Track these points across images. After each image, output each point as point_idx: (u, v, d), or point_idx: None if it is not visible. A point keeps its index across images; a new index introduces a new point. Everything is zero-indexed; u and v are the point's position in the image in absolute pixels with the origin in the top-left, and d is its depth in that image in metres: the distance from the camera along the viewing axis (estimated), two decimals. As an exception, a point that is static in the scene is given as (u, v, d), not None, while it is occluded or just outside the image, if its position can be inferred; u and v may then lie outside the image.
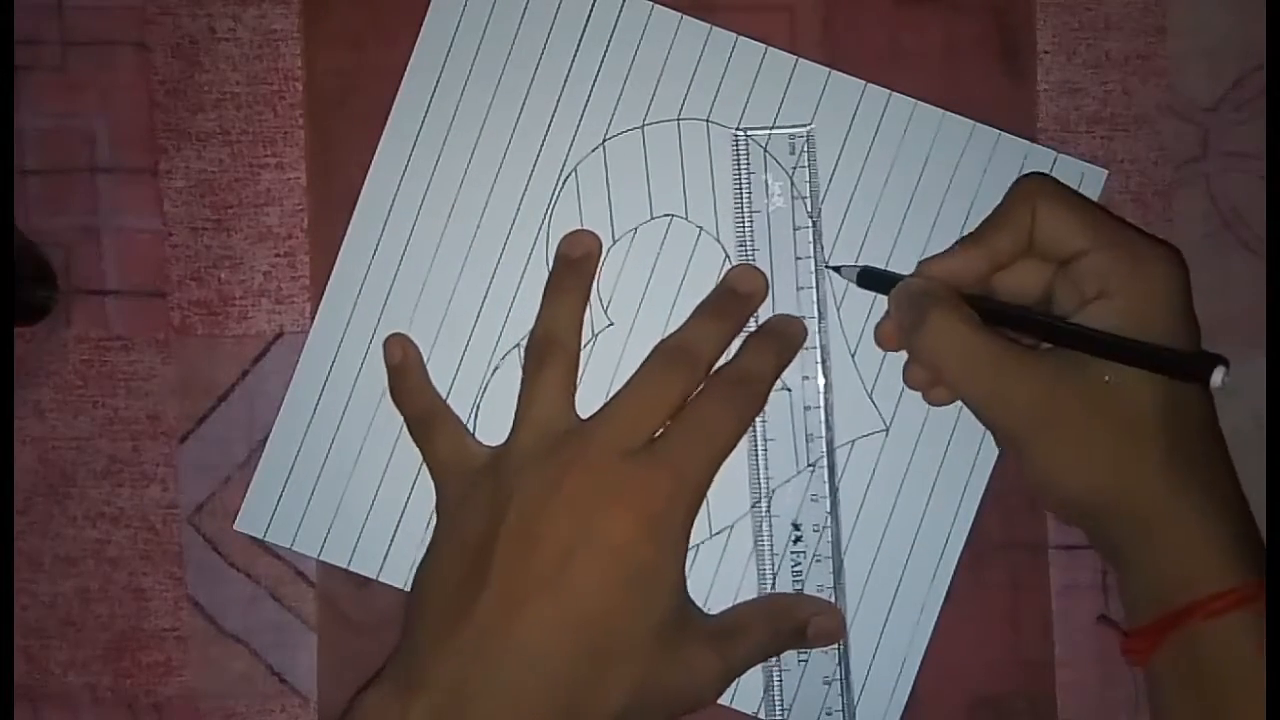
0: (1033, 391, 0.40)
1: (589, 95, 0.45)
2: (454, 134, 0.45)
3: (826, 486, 0.44)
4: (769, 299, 0.44)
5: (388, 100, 0.45)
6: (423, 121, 0.45)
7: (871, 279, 0.44)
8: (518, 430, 0.43)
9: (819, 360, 0.44)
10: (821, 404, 0.44)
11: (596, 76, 0.45)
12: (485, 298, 0.45)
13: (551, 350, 0.43)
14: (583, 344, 0.44)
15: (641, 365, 0.43)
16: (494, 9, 0.45)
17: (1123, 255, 0.40)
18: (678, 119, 0.45)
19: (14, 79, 0.45)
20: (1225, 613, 0.37)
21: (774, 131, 0.45)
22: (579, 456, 0.41)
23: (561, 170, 0.45)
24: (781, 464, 0.44)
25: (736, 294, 0.44)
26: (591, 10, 0.45)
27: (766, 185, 0.45)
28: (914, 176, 0.45)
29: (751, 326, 0.44)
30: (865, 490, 0.45)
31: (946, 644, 0.45)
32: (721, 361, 0.43)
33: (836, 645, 0.44)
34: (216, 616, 0.46)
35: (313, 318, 0.45)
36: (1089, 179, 0.45)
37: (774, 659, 0.44)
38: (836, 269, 0.45)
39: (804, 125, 0.45)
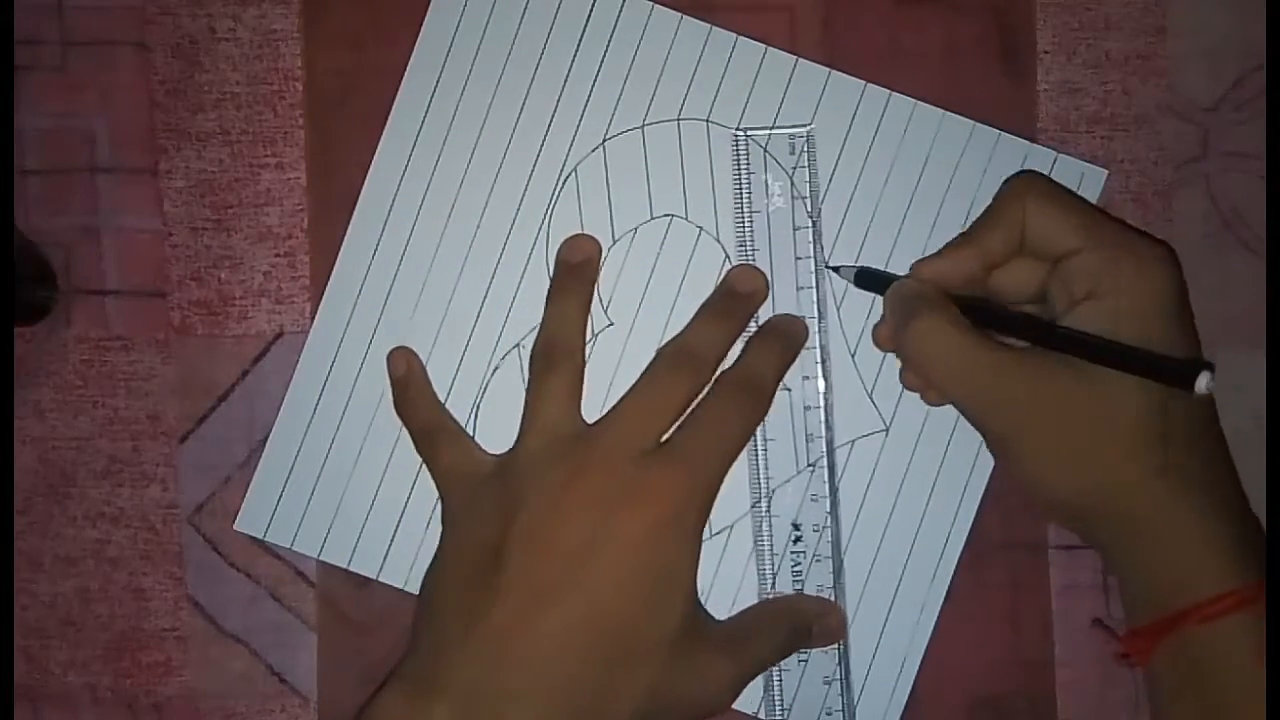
0: (1017, 393, 0.40)
1: (589, 95, 0.45)
2: (454, 134, 0.45)
3: (826, 486, 0.44)
4: (769, 299, 0.44)
5: (388, 100, 0.45)
6: (423, 121, 0.45)
7: (869, 279, 0.44)
8: (525, 435, 0.42)
9: (819, 360, 0.44)
10: (821, 404, 0.44)
11: (596, 76, 0.45)
12: (485, 298, 0.45)
13: (556, 355, 0.43)
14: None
15: (647, 368, 0.43)
16: (494, 9, 0.45)
17: (1113, 255, 0.40)
18: (678, 119, 0.45)
19: (14, 79, 0.45)
20: (1223, 616, 0.37)
21: (774, 131, 0.45)
22: (590, 458, 0.41)
23: (561, 170, 0.45)
24: (781, 464, 0.44)
25: (738, 294, 0.44)
26: (591, 10, 0.45)
27: (766, 185, 0.45)
28: (914, 176, 0.45)
29: (752, 327, 0.44)
30: (865, 490, 0.45)
31: (946, 644, 0.45)
32: (725, 363, 0.43)
33: (837, 645, 0.44)
34: (216, 616, 0.46)
35: (313, 318, 0.45)
36: (1089, 179, 0.45)
37: (774, 659, 0.44)
38: (835, 269, 0.45)
39: (804, 125, 0.45)
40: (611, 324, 0.45)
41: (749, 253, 0.45)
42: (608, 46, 0.45)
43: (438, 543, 0.43)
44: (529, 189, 0.45)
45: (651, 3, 0.45)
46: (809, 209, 0.45)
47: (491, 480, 0.42)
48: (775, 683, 0.44)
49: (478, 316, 0.45)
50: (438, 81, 0.45)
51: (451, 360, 0.45)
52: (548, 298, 0.44)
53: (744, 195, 0.45)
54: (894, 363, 0.45)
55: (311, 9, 0.46)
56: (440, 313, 0.45)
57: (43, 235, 0.46)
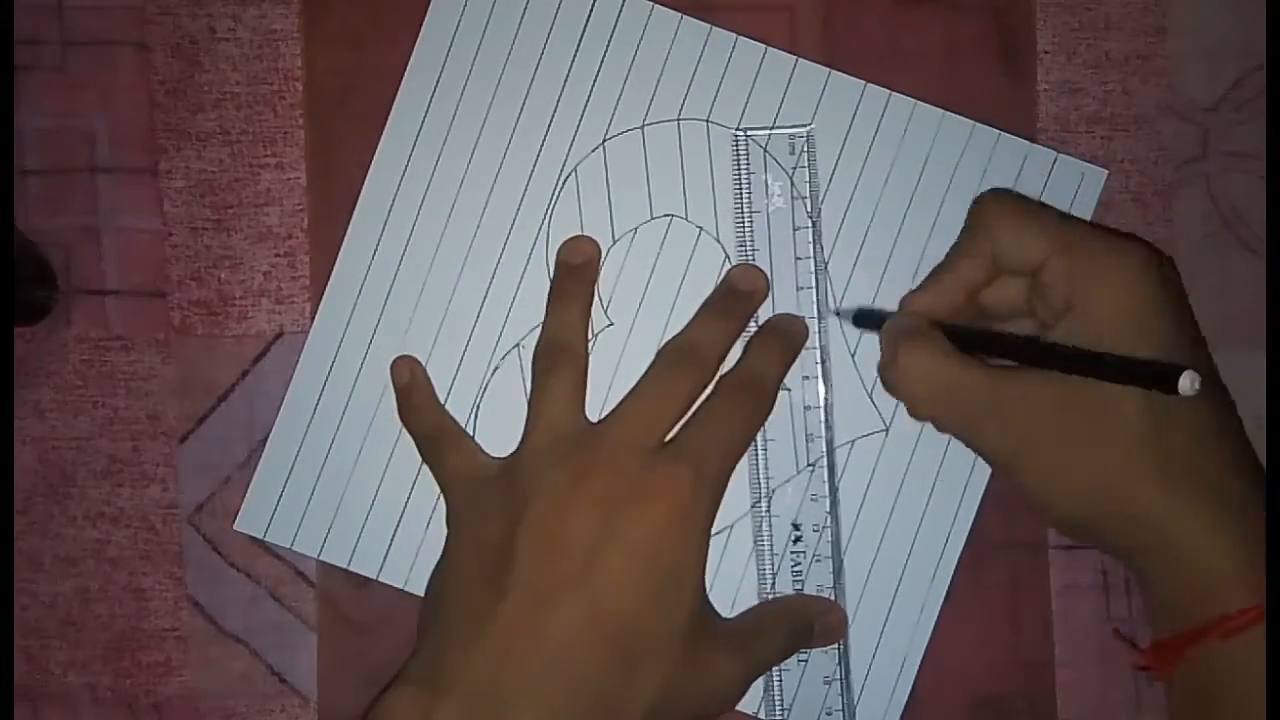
0: (1011, 414, 0.39)
1: (589, 95, 0.45)
2: (454, 134, 0.45)
3: (826, 486, 0.44)
4: (769, 299, 0.44)
5: (388, 100, 0.45)
6: (423, 121, 0.45)
7: (867, 319, 0.44)
8: (529, 435, 0.42)
9: (819, 360, 0.44)
10: (821, 404, 0.44)
11: (596, 76, 0.45)
12: (485, 298, 0.45)
13: (559, 356, 0.43)
14: (583, 344, 0.45)
15: (650, 367, 0.43)
16: (494, 9, 0.45)
17: (1080, 260, 0.39)
18: (678, 119, 0.45)
19: (14, 79, 0.45)
20: (1244, 629, 0.36)
21: (774, 131, 0.45)
22: (595, 457, 0.41)
23: (561, 170, 0.45)
24: (781, 464, 0.44)
25: (739, 292, 0.44)
26: (591, 10, 0.45)
27: (766, 185, 0.45)
28: (914, 176, 0.45)
29: (752, 327, 0.44)
30: (865, 490, 0.45)
31: (946, 644, 0.45)
32: (726, 364, 0.43)
33: (837, 645, 0.44)
34: (216, 616, 0.46)
35: (313, 318, 0.45)
36: (1089, 179, 0.45)
37: (774, 659, 0.44)
38: (836, 313, 0.45)
39: (804, 125, 0.45)
40: (612, 324, 0.45)
41: (749, 253, 0.45)
42: (608, 46, 0.45)
43: (444, 544, 0.43)
44: (529, 189, 0.45)
45: (651, 3, 0.45)
46: (809, 209, 0.45)
47: (497, 481, 0.42)
48: (775, 683, 0.44)
49: (478, 316, 0.45)
50: (438, 81, 0.45)
51: (451, 360, 0.45)
52: (549, 300, 0.44)
53: (744, 195, 0.45)
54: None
55: (311, 9, 0.46)
56: (440, 313, 0.45)
57: (43, 235, 0.46)
